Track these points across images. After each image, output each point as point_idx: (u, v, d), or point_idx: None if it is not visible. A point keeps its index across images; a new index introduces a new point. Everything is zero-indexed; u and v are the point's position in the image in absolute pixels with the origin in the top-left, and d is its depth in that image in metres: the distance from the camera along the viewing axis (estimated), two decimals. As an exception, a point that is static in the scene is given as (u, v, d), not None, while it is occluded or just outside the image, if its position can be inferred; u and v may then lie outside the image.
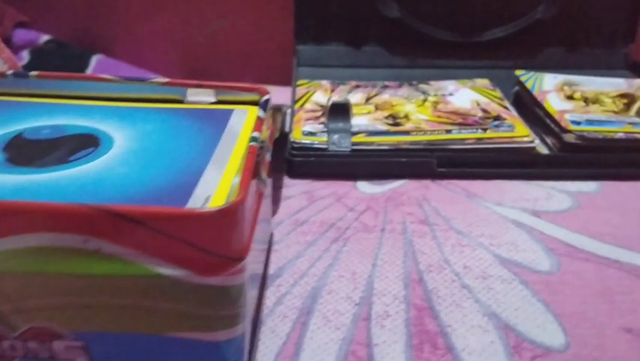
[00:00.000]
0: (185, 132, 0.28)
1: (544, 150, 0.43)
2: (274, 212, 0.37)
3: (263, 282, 0.30)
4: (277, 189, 0.39)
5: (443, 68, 0.65)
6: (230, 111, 0.30)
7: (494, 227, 0.35)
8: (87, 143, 0.26)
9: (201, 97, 0.31)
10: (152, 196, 0.21)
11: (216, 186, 0.22)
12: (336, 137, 0.41)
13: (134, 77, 0.32)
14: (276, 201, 0.38)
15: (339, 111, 0.43)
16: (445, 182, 0.40)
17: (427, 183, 0.40)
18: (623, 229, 0.35)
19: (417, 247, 0.33)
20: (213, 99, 0.32)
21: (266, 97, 0.29)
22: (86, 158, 0.25)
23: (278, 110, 0.35)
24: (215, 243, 0.19)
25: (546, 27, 0.66)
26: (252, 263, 0.24)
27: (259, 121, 0.26)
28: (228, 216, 0.18)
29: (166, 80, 0.31)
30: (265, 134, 0.29)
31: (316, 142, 0.41)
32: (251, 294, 0.25)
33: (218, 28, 0.74)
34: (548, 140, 0.44)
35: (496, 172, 0.40)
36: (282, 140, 0.42)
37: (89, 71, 0.74)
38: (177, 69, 0.80)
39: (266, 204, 0.31)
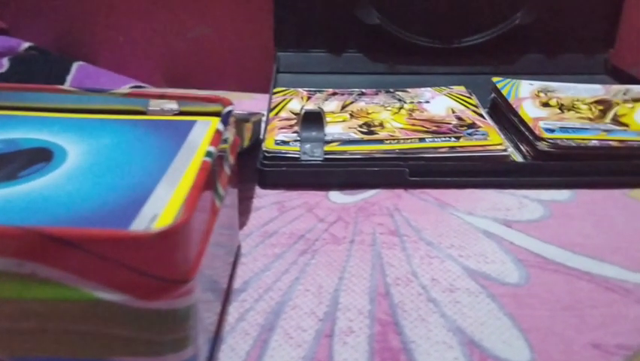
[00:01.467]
0: (143, 145, 0.27)
1: (519, 158, 0.43)
2: (243, 223, 0.36)
3: (226, 297, 0.29)
4: (247, 199, 0.39)
5: (423, 74, 0.65)
6: (193, 122, 0.30)
7: (464, 238, 0.34)
8: (39, 157, 0.25)
9: (164, 108, 0.31)
10: (97, 216, 0.21)
11: (166, 204, 0.21)
12: (308, 146, 0.40)
13: (95, 88, 0.31)
14: (245, 212, 0.37)
15: (312, 120, 0.42)
16: (417, 191, 0.40)
17: (400, 192, 0.40)
18: (594, 239, 0.34)
19: (385, 259, 0.32)
20: (176, 110, 0.31)
21: (228, 108, 0.29)
22: (36, 174, 0.24)
23: (245, 120, 0.34)
24: (157, 266, 0.18)
25: (525, 33, 0.66)
26: (208, 281, 0.24)
27: (217, 135, 0.26)
28: (170, 239, 0.18)
29: (128, 90, 0.31)
30: (226, 147, 0.28)
31: (289, 151, 0.41)
32: (208, 313, 0.24)
33: (199, 34, 0.74)
34: (523, 148, 0.43)
35: (468, 181, 0.40)
36: (254, 149, 0.42)
37: (69, 78, 0.74)
38: (160, 75, 0.79)
39: (230, 216, 0.30)
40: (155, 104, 0.31)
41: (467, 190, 0.40)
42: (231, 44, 0.74)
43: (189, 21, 0.74)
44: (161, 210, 0.21)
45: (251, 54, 0.74)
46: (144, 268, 0.18)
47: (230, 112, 0.29)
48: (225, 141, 0.27)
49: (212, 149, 0.24)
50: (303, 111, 0.42)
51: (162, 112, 0.31)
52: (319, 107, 0.43)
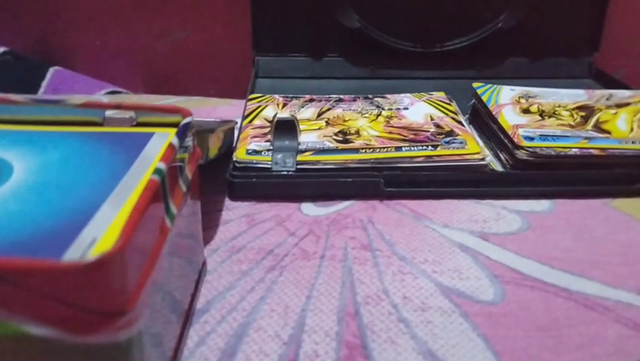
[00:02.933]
0: (94, 160, 0.25)
1: (498, 167, 0.42)
2: (210, 238, 0.34)
3: (187, 319, 0.28)
4: (216, 212, 0.37)
5: (405, 78, 0.64)
6: (150, 135, 0.28)
7: (439, 252, 0.33)
8: (-19, 175, 0.24)
9: (121, 119, 0.29)
10: (33, 241, 0.19)
11: (108, 227, 0.20)
12: (279, 156, 0.39)
13: (48, 99, 0.30)
14: (213, 225, 0.36)
15: (285, 128, 0.41)
16: (393, 202, 0.38)
17: (375, 203, 0.38)
18: (574, 253, 0.33)
19: (356, 275, 0.31)
20: (134, 121, 0.30)
21: (186, 120, 0.27)
22: (-25, 193, 0.22)
23: (210, 130, 0.33)
24: (89, 298, 0.17)
25: (508, 36, 0.65)
26: (160, 307, 0.22)
27: (169, 150, 0.24)
28: (102, 268, 0.16)
29: (82, 101, 0.29)
30: (183, 159, 0.27)
31: (260, 161, 0.39)
32: (163, 340, 0.23)
33: (178, 39, 0.72)
34: (502, 156, 0.42)
35: (445, 191, 0.39)
36: (226, 158, 0.40)
37: (44, 84, 0.72)
38: (139, 81, 0.78)
39: (190, 232, 0.29)
40: (111, 115, 0.30)
41: (444, 201, 0.38)
42: (211, 49, 0.73)
43: (168, 25, 0.72)
44: (102, 233, 0.19)
45: (231, 59, 0.73)
46: (75, 301, 0.17)
47: (188, 124, 0.28)
48: (180, 155, 0.26)
49: (161, 166, 0.22)
50: (276, 119, 0.41)
51: (119, 123, 0.30)
52: (292, 115, 0.41)
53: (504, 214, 0.37)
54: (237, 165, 0.39)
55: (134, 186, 0.23)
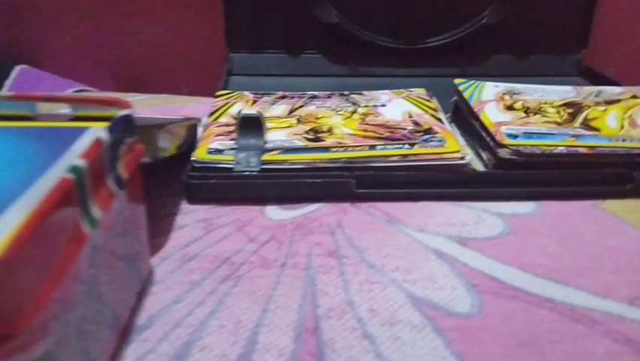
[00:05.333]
0: (13, 158, 0.22)
1: (480, 167, 0.39)
2: (161, 245, 0.31)
3: (124, 337, 0.25)
4: (170, 216, 0.34)
5: (385, 76, 0.61)
6: (83, 130, 0.25)
7: (412, 259, 0.30)
8: None
9: (54, 112, 0.26)
10: None
11: (8, 231, 0.17)
12: (242, 155, 0.36)
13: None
14: (165, 231, 0.33)
15: (250, 126, 0.38)
16: (365, 205, 0.36)
17: (345, 206, 0.35)
18: (559, 259, 0.30)
19: (319, 286, 0.28)
20: (69, 115, 0.27)
21: (123, 112, 0.24)
22: None
23: (155, 127, 0.30)
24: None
25: (493, 32, 0.62)
26: (79, 329, 0.19)
27: (93, 145, 0.21)
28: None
29: (11, 93, 0.26)
30: (117, 158, 0.23)
31: (222, 161, 0.36)
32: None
33: (149, 35, 0.69)
34: (484, 155, 0.40)
35: (422, 193, 0.36)
36: (186, 159, 0.37)
37: (8, 83, 0.68)
38: (109, 79, 0.75)
39: (130, 239, 0.26)
40: (44, 109, 0.27)
41: (421, 203, 0.36)
42: (183, 45, 0.70)
43: (138, 21, 0.69)
44: (2, 238, 0.16)
45: (205, 56, 0.70)
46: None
47: (124, 117, 0.25)
48: (111, 150, 0.23)
49: (79, 163, 0.19)
50: (240, 116, 0.38)
51: (54, 118, 0.27)
52: (258, 112, 0.38)
53: (484, 217, 0.34)
54: (196, 165, 0.36)
55: (49, 186, 0.20)
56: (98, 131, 0.25)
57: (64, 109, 0.27)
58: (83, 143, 0.24)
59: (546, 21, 0.63)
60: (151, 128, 0.29)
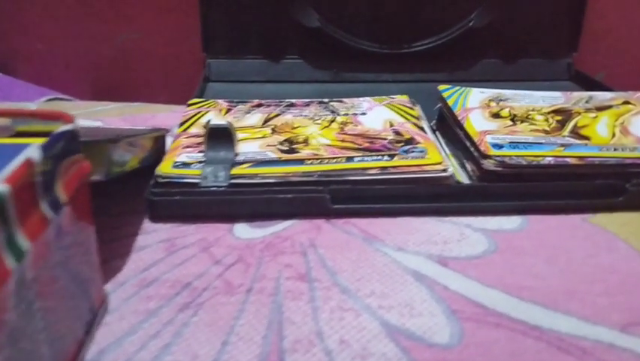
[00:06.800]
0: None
1: (464, 179, 0.37)
2: (118, 269, 0.29)
3: (67, 375, 0.22)
4: (130, 237, 0.32)
5: (370, 82, 0.59)
6: (23, 147, 0.23)
7: (389, 282, 0.28)
8: None
9: (-6, 127, 0.24)
10: None
11: None
12: (209, 169, 0.34)
13: None
14: (123, 253, 0.30)
15: (219, 137, 0.35)
16: (341, 221, 0.33)
17: (320, 223, 0.33)
18: (547, 280, 0.28)
19: (287, 314, 0.26)
20: (10, 130, 0.24)
21: (62, 128, 0.22)
22: None
23: (108, 142, 0.27)
24: None
25: (481, 36, 0.60)
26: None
27: (21, 167, 0.19)
28: None
29: (-56, 107, 0.24)
30: (54, 179, 0.21)
31: (188, 175, 0.34)
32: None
33: (125, 41, 0.66)
34: (468, 166, 0.37)
35: (402, 208, 0.34)
36: (150, 173, 0.35)
37: (-22, 90, 0.66)
38: (87, 86, 0.72)
39: (74, 267, 0.23)
40: (-18, 123, 0.24)
41: (400, 219, 0.33)
42: (161, 51, 0.67)
43: (114, 26, 0.67)
44: None
45: (183, 62, 0.67)
46: None
47: (64, 133, 0.22)
48: (46, 171, 0.20)
49: (0, 189, 0.17)
50: (209, 127, 0.36)
51: (-6, 133, 0.24)
52: (228, 122, 0.36)
53: (468, 234, 0.32)
54: (160, 180, 0.33)
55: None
56: (33, 149, 0.23)
57: (6, 122, 0.24)
58: (15, 164, 0.21)
59: (535, 24, 0.61)
60: (102, 143, 0.27)
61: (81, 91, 0.70)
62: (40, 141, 0.23)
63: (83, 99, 0.70)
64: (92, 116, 0.49)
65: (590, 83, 0.57)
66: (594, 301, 0.27)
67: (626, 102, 0.44)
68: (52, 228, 0.21)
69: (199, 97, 0.52)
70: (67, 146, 0.23)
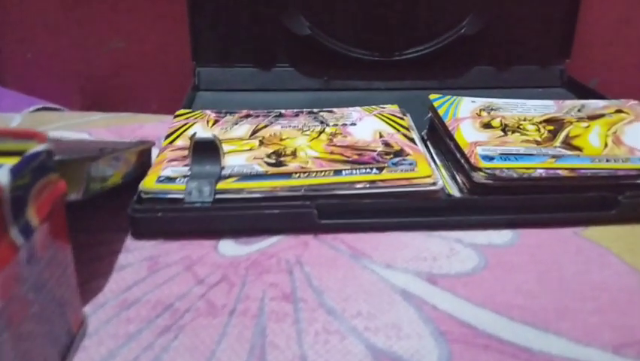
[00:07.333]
0: None
1: (455, 191, 0.36)
2: (98, 289, 0.28)
3: (41, 405, 0.22)
4: (111, 255, 0.31)
5: (361, 90, 0.59)
6: (-7, 169, 0.22)
7: (376, 301, 0.27)
8: None
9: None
10: None
11: None
12: (194, 184, 0.33)
13: None
14: (104, 272, 0.29)
15: (205, 151, 0.35)
16: (329, 236, 0.33)
17: (307, 239, 0.32)
18: (538, 299, 0.28)
19: (270, 337, 0.25)
20: (-16, 150, 0.24)
21: (35, 150, 0.21)
22: None
23: (87, 160, 0.27)
24: None
25: (473, 43, 0.60)
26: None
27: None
28: None
29: None
30: (25, 203, 0.20)
31: (172, 191, 0.33)
32: None
33: (115, 48, 0.66)
34: (459, 179, 0.37)
35: (391, 223, 0.33)
36: (132, 188, 0.34)
37: (-33, 100, 0.65)
38: (78, 95, 0.71)
39: (49, 292, 0.23)
40: (-47, 144, 0.24)
41: (389, 234, 0.33)
42: (151, 59, 0.67)
43: (104, 34, 0.66)
44: None
45: (174, 69, 0.67)
46: None
47: (36, 155, 0.21)
48: (16, 195, 0.20)
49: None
50: (194, 140, 0.35)
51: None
52: (213, 135, 0.35)
53: (458, 249, 0.31)
54: (143, 195, 0.33)
55: None
56: (2, 174, 0.22)
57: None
58: (-13, 186, 0.21)
59: (527, 30, 0.60)
60: (79, 162, 0.26)
61: (71, 100, 0.69)
62: (13, 160, 0.23)
63: (73, 108, 0.69)
64: (78, 127, 0.48)
65: (583, 90, 0.57)
66: (586, 320, 0.26)
67: (619, 111, 0.44)
68: (22, 254, 0.20)
69: (188, 106, 0.52)
70: (40, 167, 0.22)
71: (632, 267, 0.30)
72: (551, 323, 0.26)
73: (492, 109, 0.44)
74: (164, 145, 0.39)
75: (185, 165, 0.36)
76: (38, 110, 0.62)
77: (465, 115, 0.42)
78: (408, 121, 0.43)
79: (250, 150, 0.38)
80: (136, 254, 0.31)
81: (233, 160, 0.36)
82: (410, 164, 0.35)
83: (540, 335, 0.25)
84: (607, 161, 0.36)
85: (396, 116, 0.44)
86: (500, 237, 0.33)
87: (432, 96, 0.45)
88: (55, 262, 0.23)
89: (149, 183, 0.34)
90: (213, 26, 0.56)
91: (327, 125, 0.42)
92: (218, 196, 0.33)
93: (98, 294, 0.28)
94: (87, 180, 0.27)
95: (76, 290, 0.25)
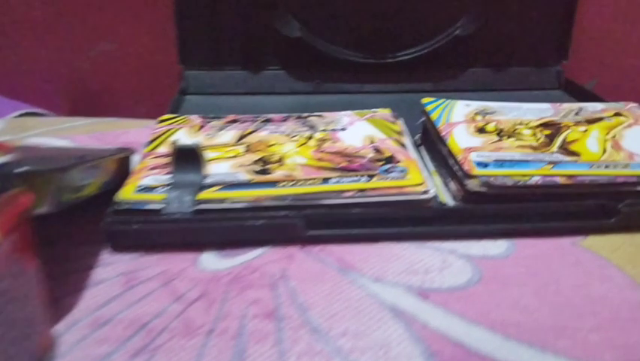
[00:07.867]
0: None
1: (448, 199, 0.35)
2: (70, 307, 0.27)
3: None
4: (86, 270, 0.29)
5: (353, 93, 0.57)
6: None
7: (364, 319, 0.26)
8: None
9: None
10: None
11: None
12: (174, 194, 0.31)
13: None
14: (78, 289, 0.28)
15: (187, 158, 0.33)
16: (316, 248, 0.31)
17: (293, 251, 0.31)
18: (534, 315, 0.26)
19: (250, 360, 0.24)
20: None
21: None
22: None
23: (57, 171, 0.25)
24: None
25: (467, 45, 0.58)
26: None
27: None
28: None
29: None
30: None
31: (151, 201, 0.32)
32: None
33: (101, 52, 0.64)
34: (452, 186, 0.35)
35: (381, 233, 0.31)
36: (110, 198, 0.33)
37: (-50, 105, 0.63)
38: (64, 100, 0.70)
39: (20, 310, 0.21)
40: None
41: (380, 245, 0.31)
42: (139, 62, 0.65)
43: (90, 37, 0.64)
44: None
45: (162, 73, 0.65)
46: None
47: (1, 166, 0.20)
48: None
49: None
50: (175, 148, 0.33)
51: None
52: (195, 142, 0.34)
53: (451, 261, 0.30)
54: (120, 207, 0.31)
55: None
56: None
57: None
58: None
59: (523, 31, 0.59)
60: (48, 173, 0.25)
61: (57, 104, 0.68)
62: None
63: (60, 112, 0.67)
64: (60, 133, 0.47)
65: (580, 92, 0.56)
66: (585, 338, 0.25)
67: (618, 114, 0.43)
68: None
69: (174, 110, 0.50)
70: (2, 179, 0.21)
71: (633, 280, 0.29)
72: (549, 341, 0.25)
73: (487, 113, 0.42)
74: (145, 152, 0.38)
75: (167, 174, 0.34)
76: (22, 115, 0.61)
77: (459, 119, 0.41)
78: (400, 125, 0.42)
79: (235, 157, 0.37)
80: (112, 268, 0.29)
81: (218, 168, 0.35)
82: (401, 171, 0.34)
83: (537, 354, 0.24)
84: (606, 167, 0.34)
85: (388, 120, 0.42)
86: (495, 247, 0.31)
87: (424, 100, 0.44)
88: (19, 281, 0.22)
89: (126, 193, 0.32)
90: (201, 28, 0.55)
91: (316, 130, 0.41)
92: (199, 207, 0.31)
93: (70, 311, 0.26)
94: (58, 191, 0.26)
95: (44, 309, 0.24)
